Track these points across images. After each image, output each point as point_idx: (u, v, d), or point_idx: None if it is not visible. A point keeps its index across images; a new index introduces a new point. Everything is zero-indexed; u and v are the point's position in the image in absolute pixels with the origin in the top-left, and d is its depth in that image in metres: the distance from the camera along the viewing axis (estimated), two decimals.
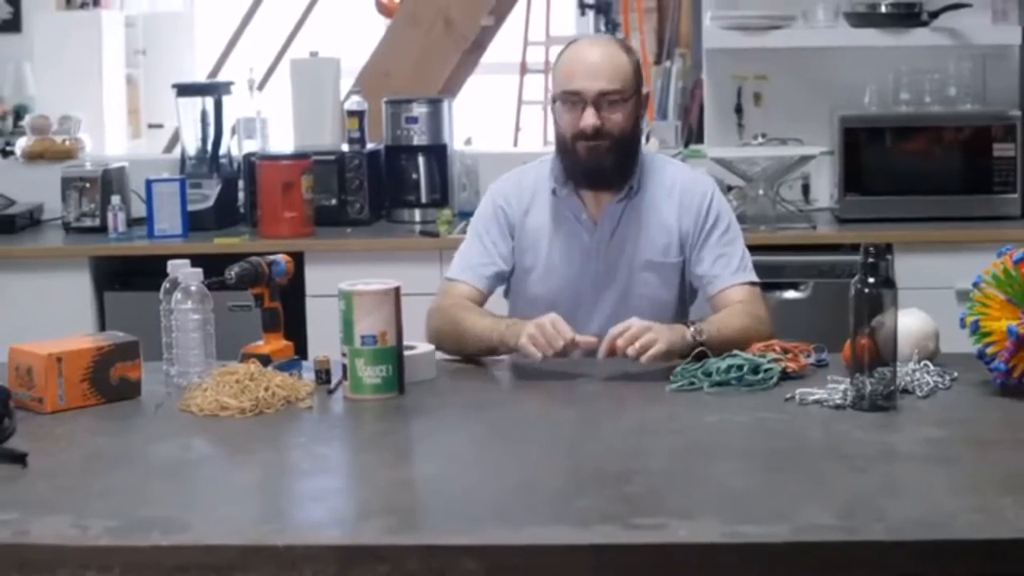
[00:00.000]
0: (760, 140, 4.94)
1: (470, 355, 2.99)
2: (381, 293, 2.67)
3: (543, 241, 3.13)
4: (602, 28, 8.01)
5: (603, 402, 2.68)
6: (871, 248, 2.54)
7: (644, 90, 3.10)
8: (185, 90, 5.17)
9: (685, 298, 3.15)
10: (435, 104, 5.15)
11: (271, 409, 2.60)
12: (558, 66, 3.08)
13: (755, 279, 3.10)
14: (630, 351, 2.75)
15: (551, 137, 9.07)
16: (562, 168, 3.11)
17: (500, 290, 3.23)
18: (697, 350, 2.80)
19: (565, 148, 3.07)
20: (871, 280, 2.54)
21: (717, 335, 2.86)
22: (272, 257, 2.87)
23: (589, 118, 2.99)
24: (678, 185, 3.12)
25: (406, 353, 2.74)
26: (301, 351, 3.10)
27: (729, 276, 3.07)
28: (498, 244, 3.15)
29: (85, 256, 4.74)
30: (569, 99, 3.02)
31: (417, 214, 5.04)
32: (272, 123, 5.27)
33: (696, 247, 3.09)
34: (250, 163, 4.93)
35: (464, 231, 4.90)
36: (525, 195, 3.16)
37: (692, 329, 2.84)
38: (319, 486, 2.23)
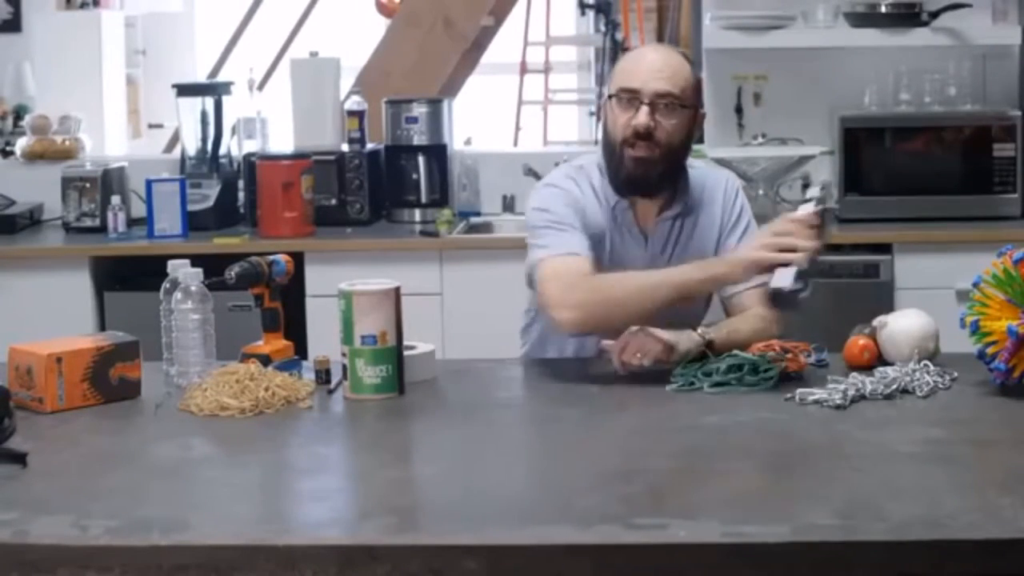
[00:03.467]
0: (760, 140, 4.94)
1: (630, 319, 2.77)
2: (381, 293, 2.67)
3: (602, 245, 2.98)
4: (602, 28, 8.02)
5: (603, 402, 2.68)
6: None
7: (702, 110, 2.99)
8: (185, 90, 5.17)
9: (710, 297, 3.09)
10: (435, 104, 5.15)
11: (271, 409, 2.59)
12: (618, 66, 3.01)
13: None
14: (634, 361, 2.74)
15: (551, 136, 9.09)
16: (608, 177, 2.98)
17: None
18: (698, 350, 2.79)
19: (612, 153, 2.95)
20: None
21: (726, 339, 2.83)
22: (272, 257, 2.87)
23: (642, 117, 2.87)
24: (707, 188, 3.04)
25: (406, 353, 2.73)
26: (301, 351, 3.10)
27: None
28: (581, 232, 2.92)
29: (85, 256, 4.74)
30: (625, 96, 2.90)
31: (417, 214, 5.05)
32: (272, 123, 5.28)
33: (721, 243, 3.03)
34: (250, 163, 4.94)
35: (463, 231, 4.93)
36: (587, 194, 2.99)
37: (699, 331, 2.83)
38: (319, 486, 2.23)
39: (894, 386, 2.61)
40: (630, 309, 2.78)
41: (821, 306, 4.47)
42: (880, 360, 2.80)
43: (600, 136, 3.06)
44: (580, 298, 2.80)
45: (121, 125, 6.21)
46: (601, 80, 7.88)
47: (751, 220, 3.08)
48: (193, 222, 4.83)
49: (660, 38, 7.65)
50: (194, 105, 5.08)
